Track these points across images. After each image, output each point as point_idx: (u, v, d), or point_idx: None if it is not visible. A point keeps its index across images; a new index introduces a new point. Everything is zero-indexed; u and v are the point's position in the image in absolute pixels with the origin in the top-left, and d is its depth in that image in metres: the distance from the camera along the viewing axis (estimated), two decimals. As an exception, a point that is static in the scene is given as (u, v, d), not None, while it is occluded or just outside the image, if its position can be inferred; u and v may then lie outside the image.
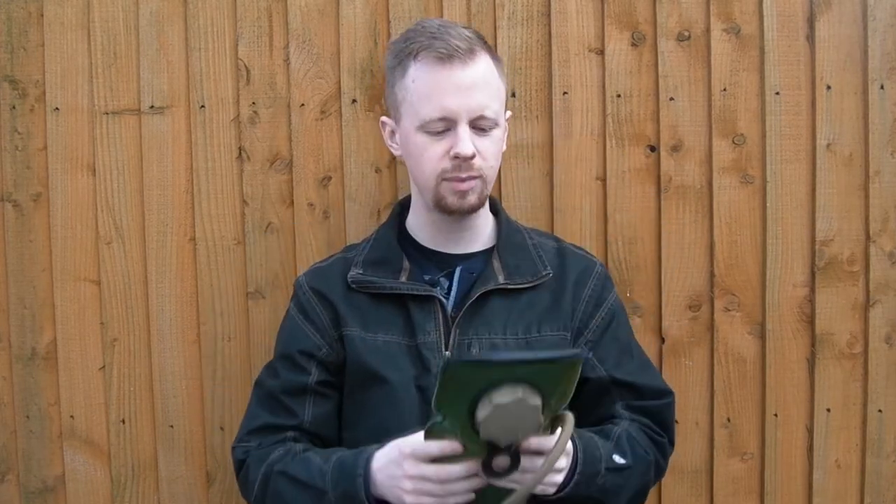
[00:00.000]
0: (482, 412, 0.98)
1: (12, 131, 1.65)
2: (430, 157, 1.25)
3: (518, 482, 1.04)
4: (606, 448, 1.21)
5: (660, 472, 1.34)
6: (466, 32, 1.26)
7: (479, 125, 1.24)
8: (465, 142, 1.22)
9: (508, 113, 1.37)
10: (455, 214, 1.28)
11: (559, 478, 1.13)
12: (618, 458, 1.21)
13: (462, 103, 1.22)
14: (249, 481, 1.29)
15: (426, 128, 1.24)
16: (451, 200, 1.25)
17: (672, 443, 1.35)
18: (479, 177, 1.25)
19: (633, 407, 1.31)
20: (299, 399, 1.31)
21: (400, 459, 1.10)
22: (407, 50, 1.26)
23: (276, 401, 1.32)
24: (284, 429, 1.30)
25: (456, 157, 1.23)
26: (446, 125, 1.23)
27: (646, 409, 1.31)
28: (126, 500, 1.67)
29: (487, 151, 1.25)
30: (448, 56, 1.22)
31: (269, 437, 1.30)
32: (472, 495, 1.08)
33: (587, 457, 1.16)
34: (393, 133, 1.34)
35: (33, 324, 1.67)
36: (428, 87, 1.23)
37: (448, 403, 1.01)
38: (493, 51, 1.32)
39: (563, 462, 1.12)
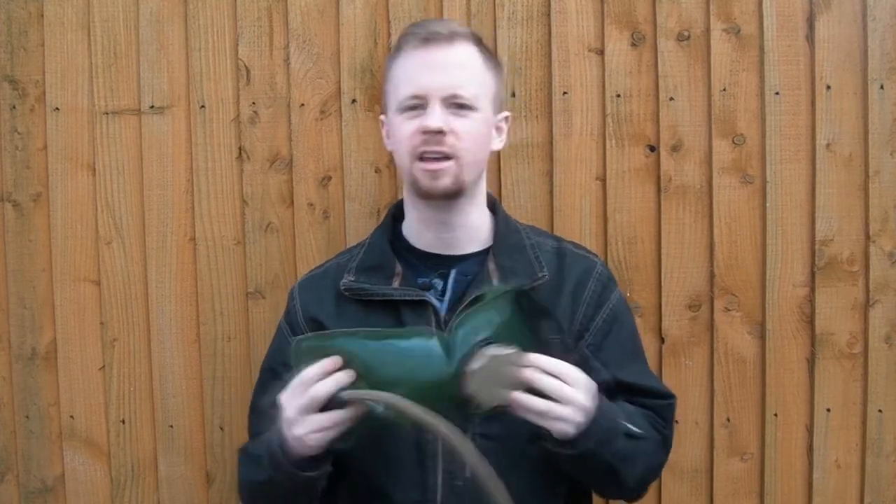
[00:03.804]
0: (476, 363, 1.06)
1: (12, 131, 1.65)
2: (404, 135, 1.25)
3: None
4: (622, 414, 1.20)
5: (661, 466, 1.33)
6: (453, 24, 1.29)
7: (455, 104, 1.24)
8: (432, 115, 1.22)
9: (506, 113, 1.36)
10: (432, 198, 1.26)
11: (567, 410, 1.10)
12: (633, 427, 1.20)
13: (433, 80, 1.23)
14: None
15: (402, 107, 1.26)
16: (425, 182, 1.24)
17: (670, 445, 1.34)
18: (453, 157, 1.24)
19: (636, 402, 1.30)
20: None
21: (285, 405, 1.13)
22: (396, 46, 1.31)
23: (265, 416, 1.33)
24: None
25: (425, 131, 1.22)
26: (420, 102, 1.24)
27: (648, 406, 1.31)
28: (126, 500, 1.67)
29: (462, 131, 1.24)
30: (426, 40, 1.25)
31: None
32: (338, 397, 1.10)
33: (606, 411, 1.15)
34: (388, 132, 1.35)
35: (33, 324, 1.67)
36: (406, 70, 1.27)
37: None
38: (486, 49, 1.31)
39: (578, 395, 1.10)
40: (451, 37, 1.26)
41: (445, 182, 1.24)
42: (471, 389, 1.07)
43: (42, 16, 1.64)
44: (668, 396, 1.35)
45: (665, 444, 1.31)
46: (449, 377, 1.08)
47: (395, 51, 1.31)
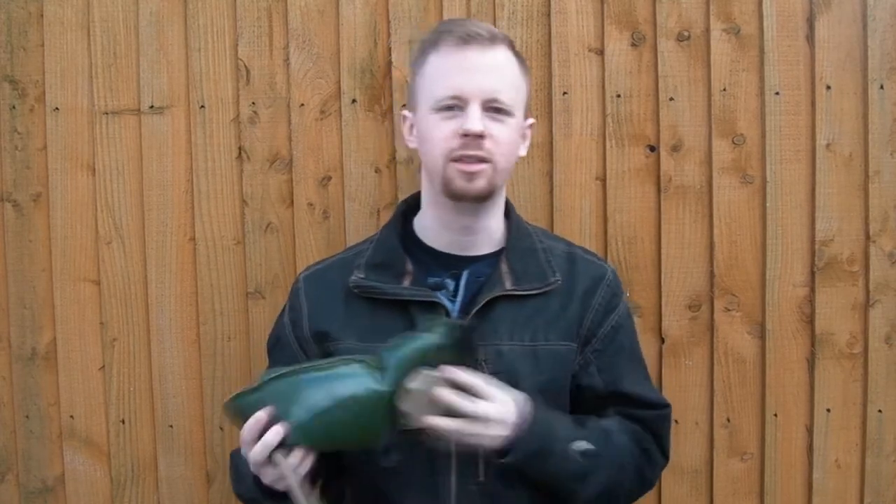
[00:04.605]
0: (412, 382, 1.09)
1: (12, 131, 1.65)
2: (439, 136, 1.22)
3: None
4: (570, 431, 1.20)
5: (644, 481, 1.31)
6: (490, 26, 1.27)
7: (493, 108, 1.22)
8: (474, 119, 1.20)
9: (531, 120, 1.34)
10: (465, 200, 1.24)
11: (478, 427, 1.12)
12: (579, 445, 1.19)
13: (475, 83, 1.21)
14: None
15: (438, 106, 1.22)
16: (459, 183, 1.22)
17: (665, 455, 1.33)
18: (489, 161, 1.22)
19: (626, 414, 1.29)
20: None
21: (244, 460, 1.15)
22: (430, 41, 1.27)
23: None
24: None
25: (465, 134, 1.20)
26: (458, 103, 1.21)
27: (639, 418, 1.30)
28: (126, 500, 1.67)
29: (500, 136, 1.22)
30: (466, 40, 1.22)
31: None
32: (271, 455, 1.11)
33: (541, 425, 1.16)
34: (412, 127, 1.32)
35: (33, 324, 1.67)
36: (444, 69, 1.23)
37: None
38: (519, 53, 1.29)
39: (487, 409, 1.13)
40: (491, 39, 1.23)
41: (480, 184, 1.22)
42: (405, 407, 1.09)
43: (42, 16, 1.64)
44: (662, 406, 1.34)
45: (650, 460, 1.30)
46: (379, 394, 1.09)
47: (428, 47, 1.27)
